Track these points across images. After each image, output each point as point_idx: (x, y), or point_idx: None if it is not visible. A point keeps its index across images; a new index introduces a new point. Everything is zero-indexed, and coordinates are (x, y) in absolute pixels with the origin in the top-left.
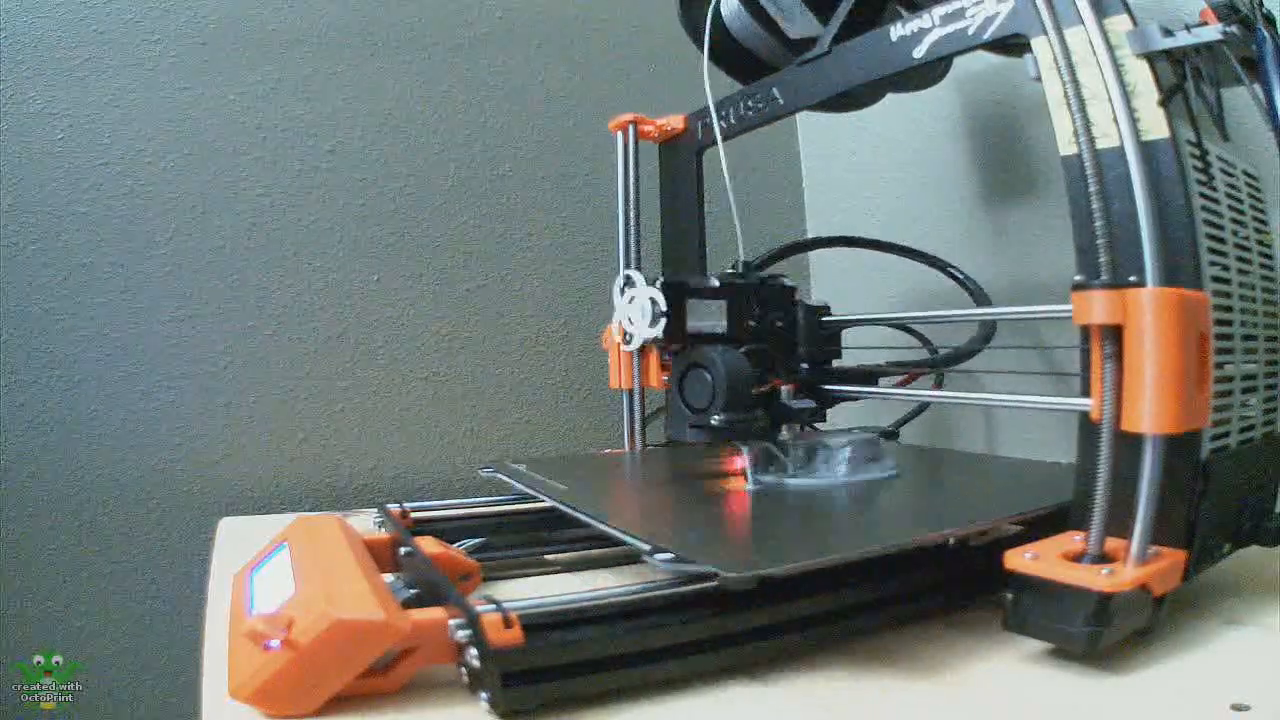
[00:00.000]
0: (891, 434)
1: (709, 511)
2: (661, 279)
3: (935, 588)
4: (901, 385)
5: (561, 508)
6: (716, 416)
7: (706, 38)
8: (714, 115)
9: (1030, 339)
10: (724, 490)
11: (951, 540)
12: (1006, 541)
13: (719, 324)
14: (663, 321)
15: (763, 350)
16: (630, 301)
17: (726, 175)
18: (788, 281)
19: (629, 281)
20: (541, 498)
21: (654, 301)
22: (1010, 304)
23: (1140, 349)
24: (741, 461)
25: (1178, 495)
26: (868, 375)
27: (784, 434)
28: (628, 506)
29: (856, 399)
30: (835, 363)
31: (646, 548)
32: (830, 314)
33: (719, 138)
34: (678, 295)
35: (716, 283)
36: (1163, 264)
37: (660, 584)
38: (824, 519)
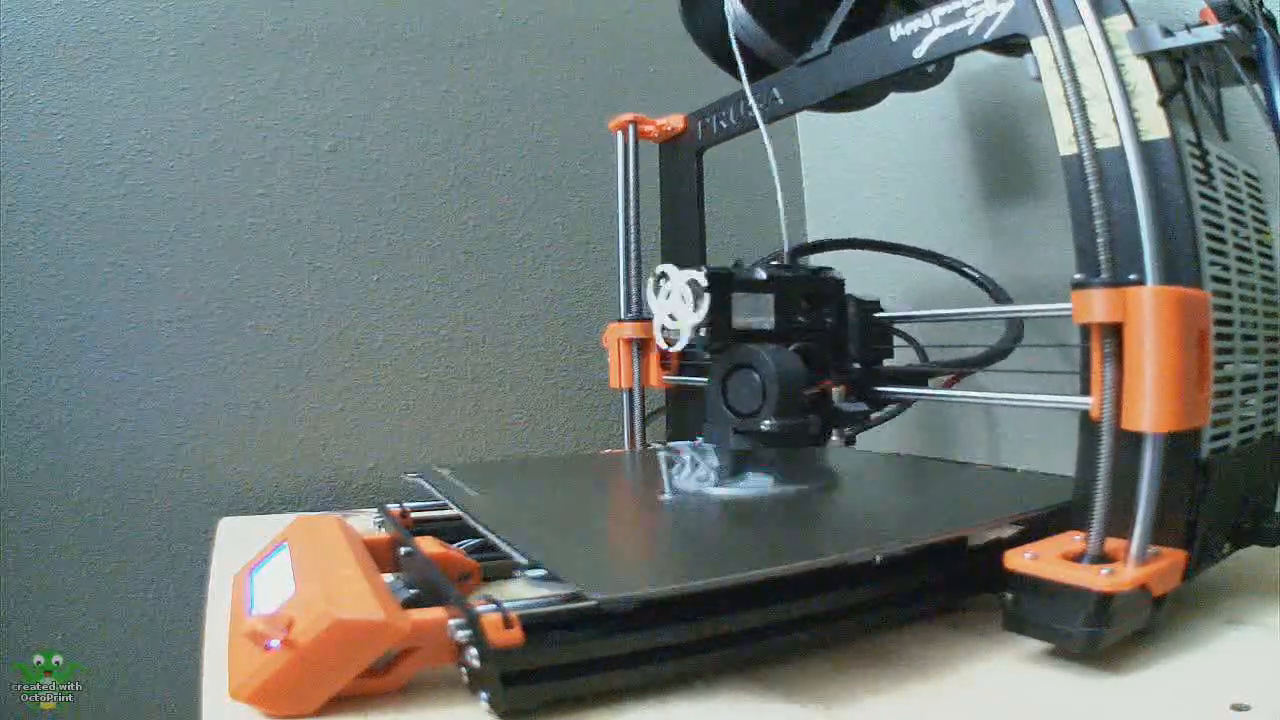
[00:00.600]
0: (847, 440)
1: (616, 523)
2: (706, 268)
3: (935, 588)
4: (945, 386)
5: (464, 516)
6: (767, 421)
7: (732, 27)
8: (750, 97)
9: (1031, 338)
10: (646, 500)
11: (878, 559)
12: (1006, 542)
13: (767, 320)
14: (706, 301)
15: (813, 349)
16: (667, 296)
17: (772, 160)
18: (838, 274)
19: (663, 276)
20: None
21: (694, 283)
22: (1010, 304)
23: (1140, 347)
24: (662, 471)
25: (1178, 495)
26: (918, 376)
27: (834, 439)
28: (532, 517)
29: (909, 401)
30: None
31: (523, 561)
32: (881, 309)
33: (761, 122)
34: (723, 287)
35: (764, 275)
36: (1163, 263)
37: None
38: (731, 533)
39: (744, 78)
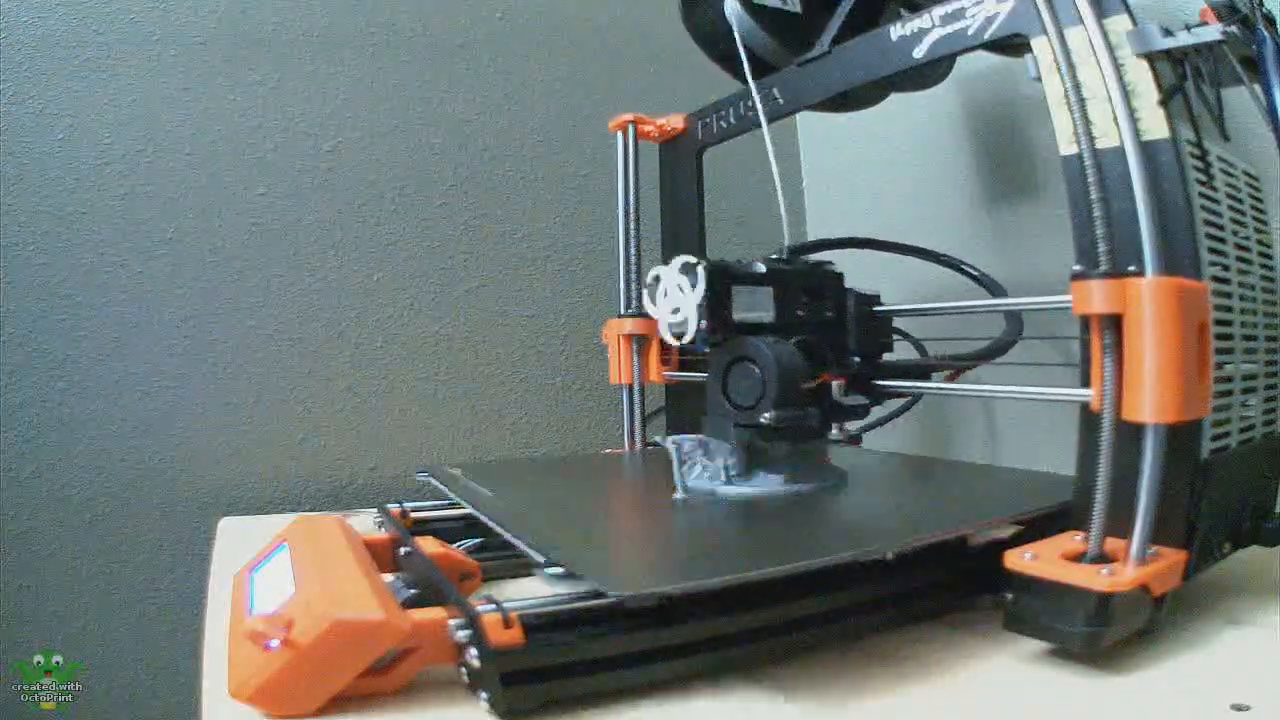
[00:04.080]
0: (854, 439)
1: (630, 522)
2: (705, 262)
3: (935, 588)
4: (949, 380)
5: (476, 514)
6: (766, 414)
7: (736, 26)
8: (754, 93)
9: (1033, 333)
10: (657, 499)
11: (890, 555)
12: (1006, 542)
13: (766, 313)
14: (701, 275)
15: (813, 342)
16: (665, 294)
17: (772, 161)
18: (837, 268)
19: (656, 279)
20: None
21: (686, 265)
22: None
23: (1140, 338)
24: (674, 469)
25: (1178, 495)
26: (920, 370)
27: (834, 433)
28: (546, 515)
29: (907, 395)
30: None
31: (540, 559)
32: (881, 303)
33: (764, 120)
34: (722, 281)
35: (763, 268)
36: (1162, 256)
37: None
38: (745, 531)
39: (748, 74)
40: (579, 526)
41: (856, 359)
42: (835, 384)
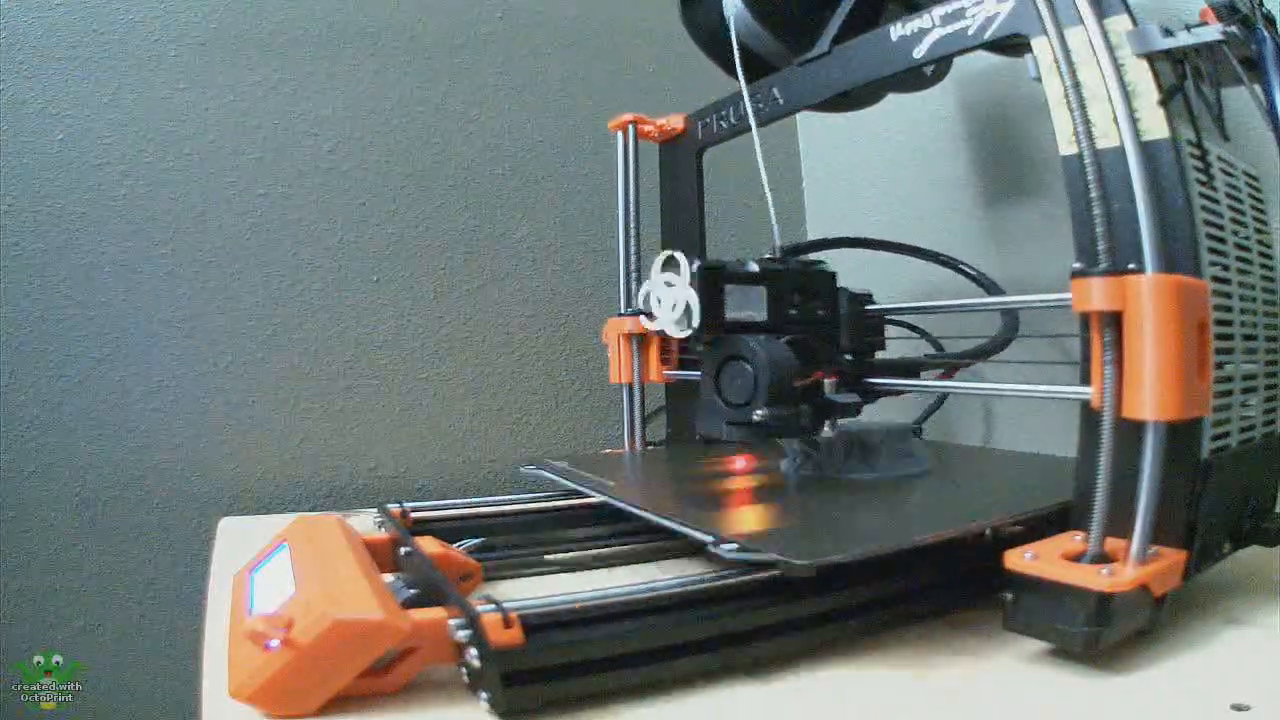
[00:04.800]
0: (916, 430)
1: (757, 504)
2: (699, 262)
3: (935, 588)
4: (942, 379)
5: (614, 503)
6: (759, 412)
7: (734, 33)
8: (746, 99)
9: (1033, 332)
10: (759, 485)
11: (987, 532)
12: (1006, 541)
13: (759, 312)
14: (680, 257)
15: (805, 341)
16: (659, 302)
17: (760, 163)
18: (829, 267)
19: (672, 263)
20: (589, 493)
21: (689, 308)
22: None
23: (1140, 335)
24: (780, 458)
25: (1178, 495)
26: (911, 368)
27: (827, 429)
28: (676, 501)
29: (900, 393)
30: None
31: (709, 539)
32: (873, 302)
33: (754, 124)
34: (716, 281)
35: (756, 268)
36: (1162, 254)
37: (661, 584)
38: (871, 511)
39: (740, 76)
40: (710, 510)
41: (848, 357)
42: (827, 382)
